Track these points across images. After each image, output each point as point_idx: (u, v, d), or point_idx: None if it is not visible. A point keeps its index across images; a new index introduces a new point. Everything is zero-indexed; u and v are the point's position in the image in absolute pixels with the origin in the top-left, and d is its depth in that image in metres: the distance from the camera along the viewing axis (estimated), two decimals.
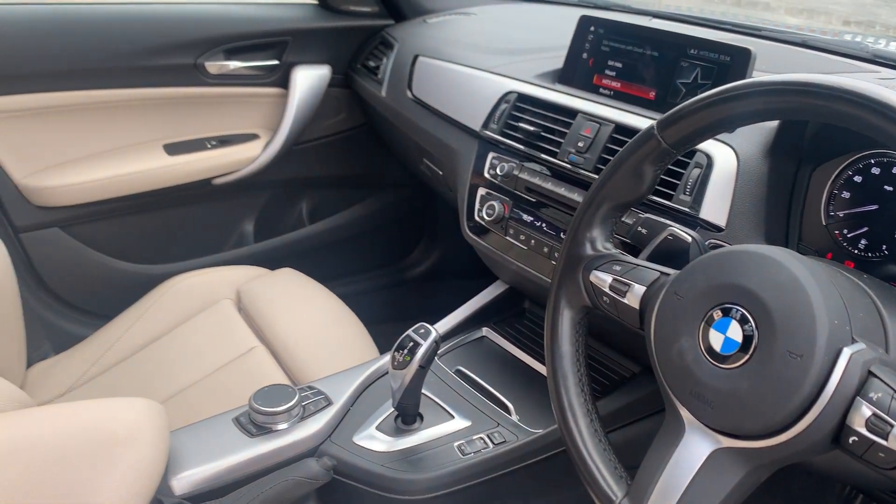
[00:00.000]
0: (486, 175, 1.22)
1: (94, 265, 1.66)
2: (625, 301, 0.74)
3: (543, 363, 1.12)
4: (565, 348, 0.79)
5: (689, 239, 0.79)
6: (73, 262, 1.63)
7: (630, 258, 0.77)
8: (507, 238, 1.19)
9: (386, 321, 1.49)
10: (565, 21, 1.29)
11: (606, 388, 1.14)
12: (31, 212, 1.55)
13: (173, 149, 1.65)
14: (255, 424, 1.00)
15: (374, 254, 2.08)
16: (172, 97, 1.63)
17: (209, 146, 1.68)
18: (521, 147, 1.18)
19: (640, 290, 0.72)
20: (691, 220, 0.93)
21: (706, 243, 0.84)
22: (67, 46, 1.49)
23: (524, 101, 1.21)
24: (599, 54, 1.17)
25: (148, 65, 1.57)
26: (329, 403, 1.07)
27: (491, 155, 1.22)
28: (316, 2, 1.78)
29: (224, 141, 1.70)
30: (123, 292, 1.54)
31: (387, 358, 1.07)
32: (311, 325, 1.36)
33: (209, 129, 1.71)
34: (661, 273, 0.72)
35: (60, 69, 1.50)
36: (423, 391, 1.05)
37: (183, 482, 0.92)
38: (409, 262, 2.18)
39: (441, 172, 1.47)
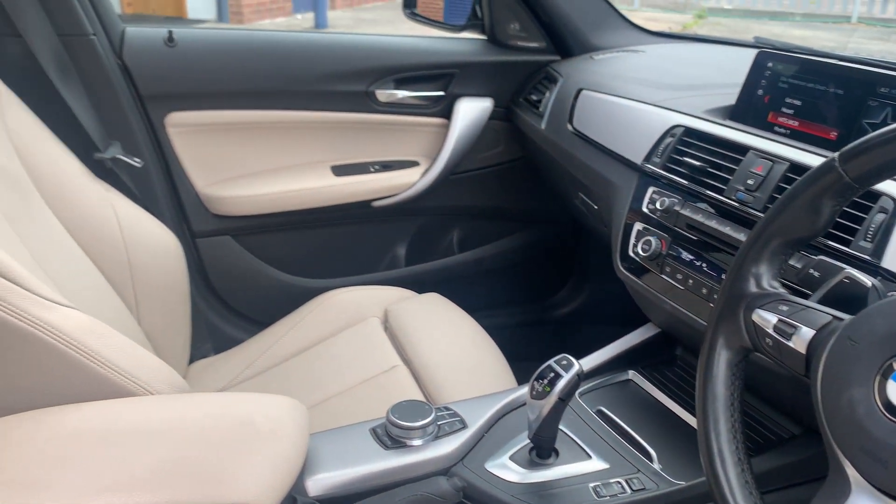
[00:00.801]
0: (645, 210, 1.18)
1: (258, 274, 1.76)
2: (790, 344, 0.67)
3: (693, 413, 1.05)
4: (719, 391, 0.74)
5: (869, 284, 0.72)
6: (239, 270, 1.74)
7: (799, 299, 0.71)
8: (663, 277, 1.14)
9: (527, 358, 1.46)
10: (739, 60, 1.24)
11: (761, 447, 1.05)
12: (207, 219, 1.68)
13: (339, 170, 1.73)
14: (390, 437, 1.01)
15: (521, 288, 2.07)
16: (343, 122, 1.72)
17: (372, 170, 1.75)
18: (683, 182, 1.13)
19: (808, 333, 0.66)
20: (871, 270, 0.84)
21: (887, 294, 0.76)
22: (255, 70, 1.62)
23: (691, 136, 1.16)
24: (776, 91, 1.11)
25: (324, 90, 1.67)
26: (464, 426, 1.06)
27: (651, 189, 1.18)
28: (485, 37, 1.82)
29: (386, 166, 1.77)
30: (281, 302, 1.62)
31: (526, 389, 1.04)
32: (452, 350, 1.36)
33: (373, 153, 1.78)
34: (834, 317, 0.66)
35: (247, 90, 1.62)
36: (560, 426, 1.02)
37: (318, 484, 0.94)
38: (556, 301, 2.14)
39: (596, 207, 1.44)
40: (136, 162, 1.47)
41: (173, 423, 0.85)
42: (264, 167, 1.71)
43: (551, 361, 0.97)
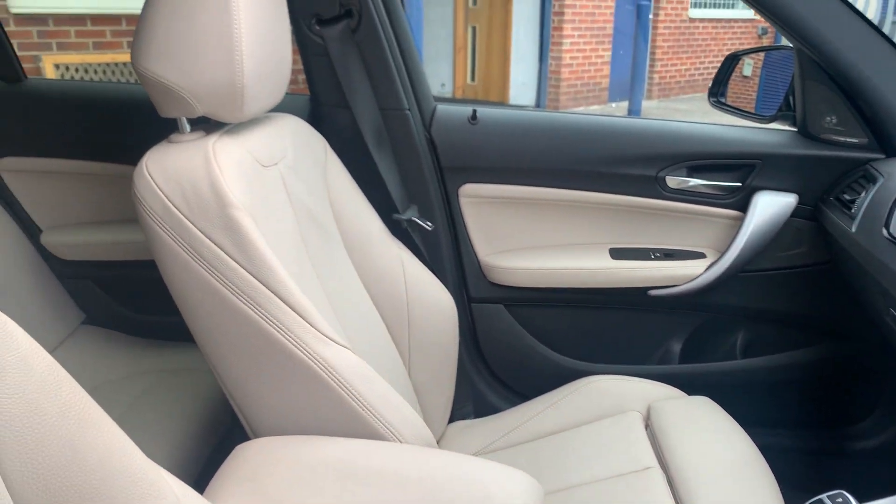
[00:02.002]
0: None
1: (525, 346, 1.78)
2: None
3: None
4: None
5: None
6: (507, 339, 1.78)
7: None
8: None
9: (804, 489, 1.29)
10: None
11: None
12: (484, 286, 1.75)
13: (618, 253, 1.71)
14: None
15: (810, 409, 1.83)
16: (627, 205, 1.70)
17: (653, 257, 1.70)
18: None
19: None
20: None
21: None
22: (546, 148, 1.68)
23: None
24: None
25: (612, 172, 1.67)
26: None
27: None
28: (794, 129, 1.70)
29: (668, 254, 1.71)
30: (544, 377, 1.62)
31: None
32: (717, 462, 1.24)
33: (656, 240, 1.73)
34: None
35: (537, 167, 1.69)
36: None
37: None
38: (856, 431, 1.86)
39: None
40: (428, 225, 1.59)
41: (414, 474, 0.88)
42: (544, 242, 1.75)
43: (824, 496, 0.84)
